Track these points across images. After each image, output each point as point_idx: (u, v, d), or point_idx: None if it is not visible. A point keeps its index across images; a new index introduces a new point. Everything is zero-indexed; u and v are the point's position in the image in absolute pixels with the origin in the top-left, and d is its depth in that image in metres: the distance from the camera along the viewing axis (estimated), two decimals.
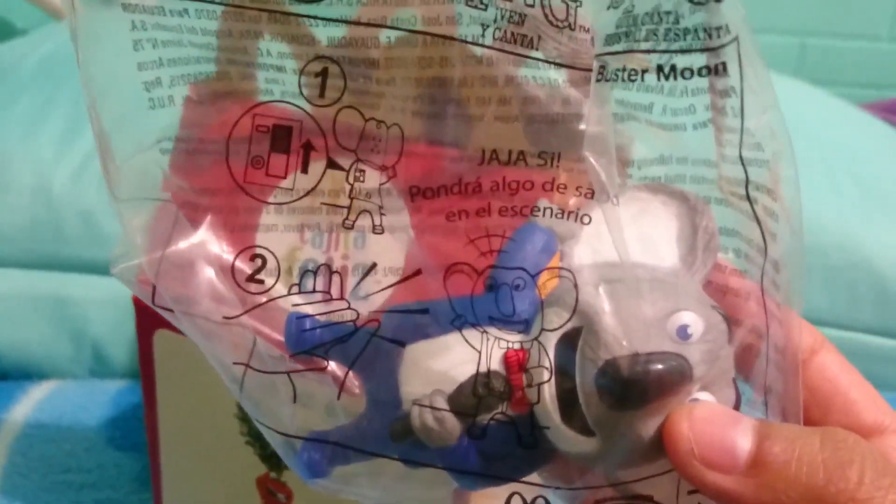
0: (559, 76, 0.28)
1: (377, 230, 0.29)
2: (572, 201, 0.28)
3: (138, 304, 0.42)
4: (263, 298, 0.29)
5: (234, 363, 0.29)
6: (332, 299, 0.30)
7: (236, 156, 0.29)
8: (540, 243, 0.28)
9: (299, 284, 0.30)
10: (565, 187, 0.28)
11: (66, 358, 0.65)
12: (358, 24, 0.28)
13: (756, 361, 0.28)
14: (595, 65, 0.27)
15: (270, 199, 0.30)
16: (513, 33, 0.27)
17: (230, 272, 0.29)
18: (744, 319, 0.28)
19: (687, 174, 0.29)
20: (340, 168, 0.29)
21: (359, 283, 0.30)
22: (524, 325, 0.28)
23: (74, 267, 0.64)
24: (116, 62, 0.28)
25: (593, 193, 0.28)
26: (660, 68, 0.27)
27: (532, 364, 0.27)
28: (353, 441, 0.29)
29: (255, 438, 0.44)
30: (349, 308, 0.29)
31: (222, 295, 0.29)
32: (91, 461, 0.56)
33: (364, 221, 0.29)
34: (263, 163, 0.29)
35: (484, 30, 0.27)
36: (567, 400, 0.27)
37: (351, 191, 0.29)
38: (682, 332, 0.26)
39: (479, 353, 0.28)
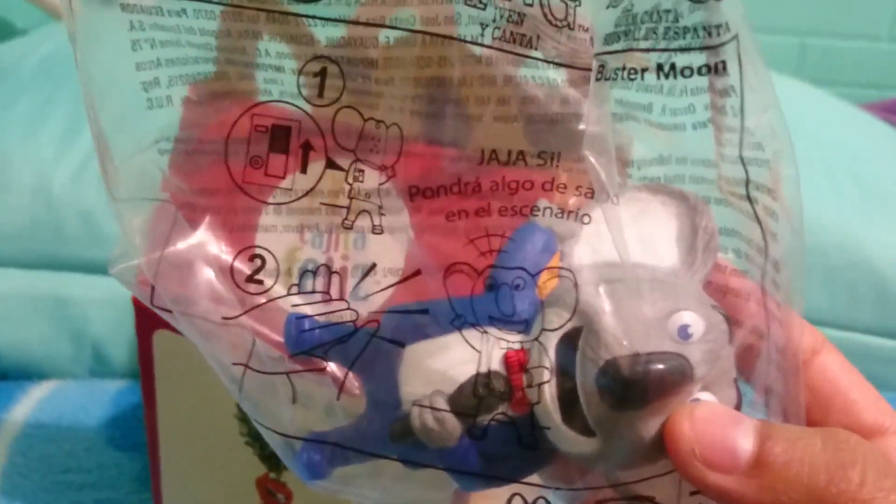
0: (558, 76, 0.28)
1: (376, 230, 0.29)
2: (572, 201, 0.28)
3: (138, 305, 0.42)
4: (262, 299, 0.29)
5: (234, 364, 0.29)
6: (331, 300, 0.30)
7: (235, 156, 0.29)
8: (540, 243, 0.28)
9: (299, 285, 0.30)
10: (565, 187, 0.28)
11: (65, 358, 0.65)
12: (357, 23, 0.28)
13: (757, 362, 0.28)
14: (594, 64, 0.27)
15: (270, 200, 0.30)
16: (512, 33, 0.27)
17: (229, 273, 0.29)
18: (744, 320, 0.28)
19: (686, 174, 0.29)
20: (339, 168, 0.29)
21: (358, 284, 0.30)
22: (524, 326, 0.28)
23: (74, 267, 0.64)
24: (115, 62, 0.28)
25: (593, 193, 0.28)
26: (659, 67, 0.27)
27: (532, 364, 0.27)
28: (353, 442, 0.29)
29: (255, 439, 0.44)
30: (349, 308, 0.29)
31: (221, 295, 0.29)
32: (91, 461, 0.56)
33: (363, 222, 0.29)
34: (262, 163, 0.29)
35: (483, 29, 0.27)
36: (568, 400, 0.27)
37: (350, 191, 0.29)
38: (683, 332, 0.26)
39: (480, 353, 0.28)
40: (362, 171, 0.29)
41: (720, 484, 0.25)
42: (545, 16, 0.27)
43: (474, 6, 0.27)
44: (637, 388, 0.26)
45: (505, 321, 0.28)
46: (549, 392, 0.27)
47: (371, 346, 0.29)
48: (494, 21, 0.27)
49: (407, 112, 0.28)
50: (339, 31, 0.28)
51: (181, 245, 0.29)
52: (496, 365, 0.28)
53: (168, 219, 0.29)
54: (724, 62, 0.26)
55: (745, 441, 0.25)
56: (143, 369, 0.44)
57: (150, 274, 0.29)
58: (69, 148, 0.65)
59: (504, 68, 0.28)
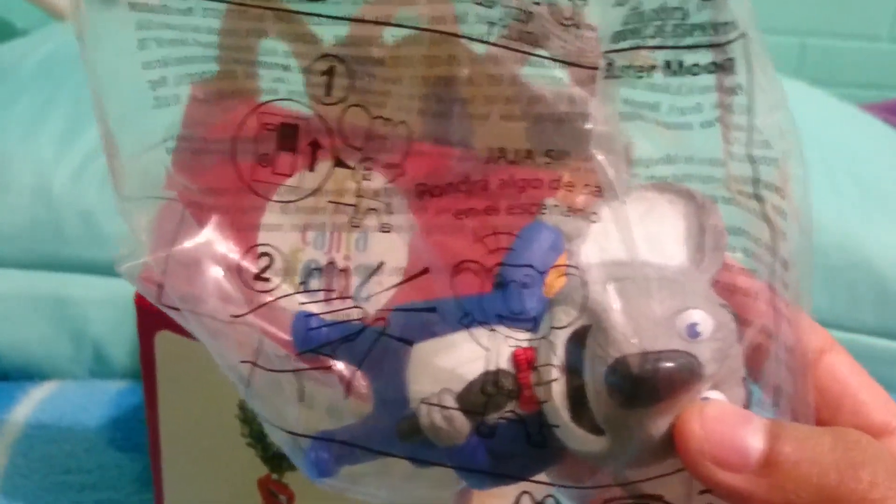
0: (564, 75, 0.28)
1: (384, 228, 0.29)
2: (580, 199, 0.28)
3: (140, 306, 0.42)
4: (270, 297, 0.29)
5: (242, 361, 0.29)
6: (339, 297, 0.30)
7: (243, 155, 0.29)
8: (547, 242, 0.28)
9: (306, 283, 0.30)
10: (573, 185, 0.28)
11: (66, 358, 0.64)
12: (364, 21, 0.28)
13: (766, 361, 0.28)
14: (602, 62, 0.27)
15: (275, 198, 0.30)
16: (519, 31, 0.27)
17: (237, 271, 0.29)
18: (753, 319, 0.28)
19: (694, 173, 0.29)
20: (347, 166, 0.29)
21: (365, 283, 0.30)
22: (532, 324, 0.28)
23: (74, 267, 0.64)
24: (122, 61, 0.28)
25: (601, 191, 0.28)
26: (668, 64, 0.27)
27: (541, 362, 0.27)
28: (361, 440, 0.29)
29: (257, 440, 0.44)
30: (356, 307, 0.29)
31: (229, 294, 0.29)
32: (92, 462, 0.56)
33: (371, 220, 0.29)
34: (271, 161, 0.29)
35: (490, 28, 0.27)
36: (576, 398, 0.27)
37: (358, 189, 0.29)
38: (692, 331, 0.26)
39: (488, 351, 0.28)
40: (370, 169, 0.29)
41: (730, 483, 0.25)
42: (552, 14, 0.27)
43: (481, 4, 0.27)
44: (646, 386, 0.25)
45: (513, 319, 0.28)
46: (558, 390, 0.27)
47: (379, 345, 0.29)
48: (501, 19, 0.27)
49: (415, 111, 0.28)
50: (346, 30, 0.28)
51: (189, 243, 0.29)
52: (504, 363, 0.28)
53: (175, 217, 0.29)
54: (732, 60, 0.26)
55: (755, 440, 0.25)
56: (145, 370, 0.44)
57: (158, 272, 0.29)
58: (69, 148, 0.65)
59: (511, 67, 0.28)
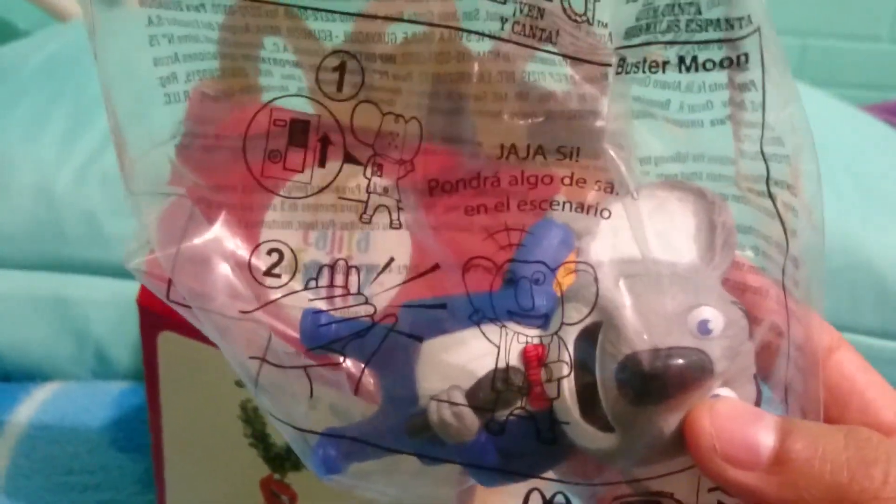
0: (576, 72, 0.28)
1: (394, 225, 0.29)
2: (590, 196, 0.28)
3: (143, 306, 0.42)
4: (280, 293, 0.29)
5: (251, 358, 0.29)
6: (348, 294, 0.30)
7: (253, 151, 0.29)
8: (557, 239, 0.28)
9: (312, 281, 0.30)
10: (584, 182, 0.28)
11: (68, 359, 0.64)
12: (375, 18, 0.28)
13: (776, 360, 0.28)
14: (614, 58, 0.27)
15: (282, 194, 0.30)
16: (531, 27, 0.27)
17: (246, 267, 0.29)
18: (763, 317, 0.28)
19: (704, 171, 0.29)
20: (358, 162, 0.29)
21: (374, 279, 0.30)
22: (543, 320, 0.28)
23: (76, 268, 0.64)
24: (132, 57, 0.28)
25: (612, 188, 0.28)
26: (681, 60, 0.27)
27: (551, 359, 0.27)
28: (369, 437, 0.29)
29: (259, 440, 0.44)
30: (366, 303, 0.29)
31: (238, 290, 0.29)
32: (94, 463, 0.56)
33: (380, 217, 0.29)
34: (281, 157, 0.29)
35: (503, 24, 0.27)
36: (586, 395, 0.27)
37: (368, 185, 0.29)
38: (703, 328, 0.26)
39: (498, 348, 0.27)
40: (381, 165, 0.29)
41: (741, 480, 0.25)
42: (564, 11, 0.27)
43: (494, 0, 0.27)
44: (657, 382, 0.26)
45: (523, 316, 0.28)
46: (568, 387, 0.27)
47: (388, 341, 0.28)
48: (514, 15, 0.27)
49: (424, 107, 0.28)
50: (356, 26, 0.28)
51: (198, 240, 0.29)
52: (515, 360, 0.27)
53: (183, 213, 0.29)
54: (746, 55, 0.26)
55: (766, 437, 0.25)
56: (148, 371, 0.44)
57: (167, 269, 0.29)
58: (71, 149, 0.65)
59: (522, 64, 0.28)
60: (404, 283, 0.30)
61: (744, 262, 0.29)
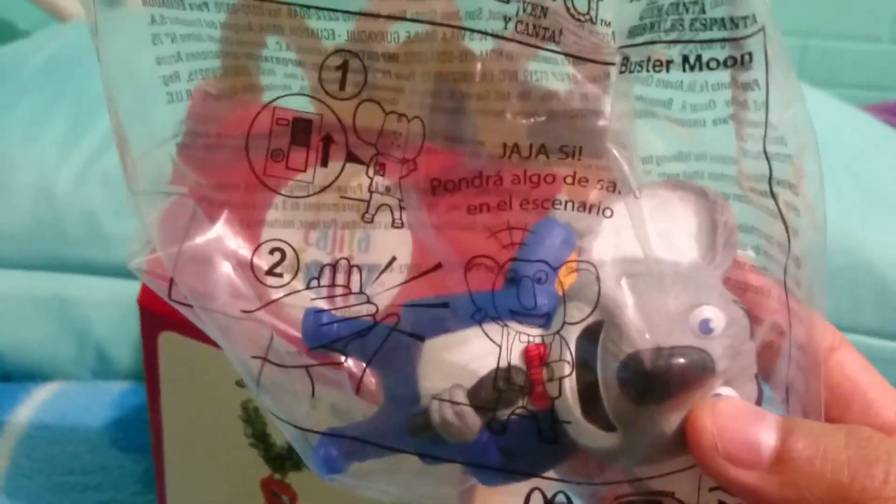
0: (578, 71, 0.28)
1: (396, 224, 0.29)
2: (593, 195, 0.28)
3: (144, 306, 0.42)
4: (282, 293, 0.29)
5: (252, 357, 0.29)
6: (350, 293, 0.30)
7: (255, 151, 0.29)
8: (559, 237, 0.28)
9: (318, 279, 0.30)
10: (587, 181, 0.28)
11: (68, 359, 0.64)
12: (377, 17, 0.28)
13: (777, 359, 0.28)
14: (618, 57, 0.27)
15: (284, 193, 0.30)
16: (534, 26, 0.27)
17: (248, 267, 0.29)
18: (764, 316, 0.28)
19: (705, 170, 0.29)
20: (360, 161, 0.29)
21: (375, 279, 0.30)
22: (545, 319, 0.28)
23: (77, 268, 0.64)
24: (135, 56, 0.28)
25: (614, 187, 0.28)
26: (685, 59, 0.27)
27: (553, 358, 0.27)
28: (371, 436, 0.29)
29: (260, 440, 0.44)
30: (368, 302, 0.29)
31: (239, 290, 0.29)
32: (95, 462, 0.56)
33: (383, 216, 0.29)
34: (283, 157, 0.29)
35: (506, 23, 0.27)
36: (588, 394, 0.27)
37: (371, 184, 0.29)
38: (705, 327, 0.26)
39: (500, 347, 0.28)
40: (383, 164, 0.29)
41: (742, 479, 0.25)
42: (568, 10, 0.27)
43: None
44: (659, 381, 0.26)
45: (525, 315, 0.28)
46: (570, 386, 0.27)
47: (390, 341, 0.28)
48: (517, 14, 0.27)
49: (427, 107, 0.28)
50: (359, 25, 0.28)
51: (199, 239, 0.29)
52: (516, 359, 0.28)
53: (185, 213, 0.29)
54: (750, 54, 0.26)
55: (767, 436, 0.25)
56: (148, 371, 0.44)
57: (168, 268, 0.29)
58: (72, 149, 0.65)
59: (525, 63, 0.28)
60: (406, 282, 0.30)
61: (745, 262, 0.29)
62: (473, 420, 0.27)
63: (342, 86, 0.28)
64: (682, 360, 0.26)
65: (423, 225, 0.29)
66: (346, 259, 0.30)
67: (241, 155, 0.29)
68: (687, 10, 0.26)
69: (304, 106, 0.29)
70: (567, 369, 0.27)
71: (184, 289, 0.29)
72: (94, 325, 0.64)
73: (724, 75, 0.27)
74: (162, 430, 0.46)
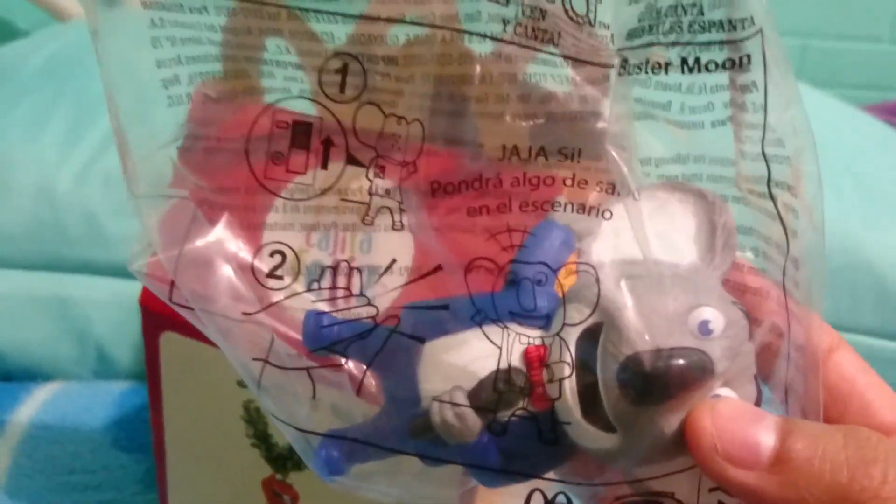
0: (577, 73, 0.28)
1: (396, 227, 0.29)
2: (592, 197, 0.28)
3: (145, 307, 0.42)
4: (282, 295, 0.29)
5: (253, 359, 0.29)
6: (350, 295, 0.30)
7: (255, 153, 0.29)
8: (558, 240, 0.28)
9: (315, 282, 0.30)
10: (586, 183, 0.28)
11: (69, 359, 0.64)
12: (377, 20, 0.28)
13: (776, 361, 0.28)
14: (616, 60, 0.27)
15: (285, 196, 0.30)
16: (533, 29, 0.27)
17: (249, 269, 0.29)
18: (763, 318, 0.28)
19: (704, 172, 0.29)
20: (360, 164, 0.29)
21: (376, 281, 0.30)
22: (545, 321, 0.28)
23: (77, 268, 0.64)
24: (135, 59, 0.28)
25: (613, 189, 0.28)
26: (683, 61, 0.27)
27: (553, 360, 0.27)
28: (372, 438, 0.29)
29: (261, 440, 0.44)
30: (368, 305, 0.29)
31: (240, 292, 0.29)
32: (96, 462, 0.56)
33: (383, 219, 0.29)
34: (283, 159, 0.29)
35: (505, 26, 0.27)
36: (588, 395, 0.27)
37: (371, 187, 0.29)
38: (704, 328, 0.26)
39: (500, 349, 0.28)
40: (383, 167, 0.29)
41: (741, 480, 0.25)
42: (566, 12, 0.27)
43: (496, 2, 0.27)
44: (658, 382, 0.26)
45: (525, 316, 0.28)
46: (570, 387, 0.27)
47: (390, 343, 0.29)
48: (516, 17, 0.27)
49: (427, 109, 0.28)
50: (359, 28, 0.28)
51: (200, 242, 0.29)
52: (516, 360, 0.28)
53: (186, 215, 0.29)
54: (748, 56, 0.26)
55: (766, 437, 0.25)
56: (150, 371, 0.44)
57: (169, 270, 0.29)
58: (72, 149, 0.65)
59: (524, 66, 0.28)
60: (406, 284, 0.30)
61: (744, 264, 0.29)
62: (474, 421, 0.27)
63: (342, 88, 0.29)
64: (681, 362, 0.26)
65: (423, 227, 0.29)
66: (347, 261, 0.30)
67: (241, 158, 0.29)
68: (685, 13, 0.26)
69: (304, 109, 0.29)
70: (567, 371, 0.27)
71: (184, 291, 0.29)
72: (95, 325, 0.64)
73: (722, 77, 0.27)
74: (163, 430, 0.46)
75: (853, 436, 0.25)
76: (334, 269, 0.30)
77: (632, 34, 0.27)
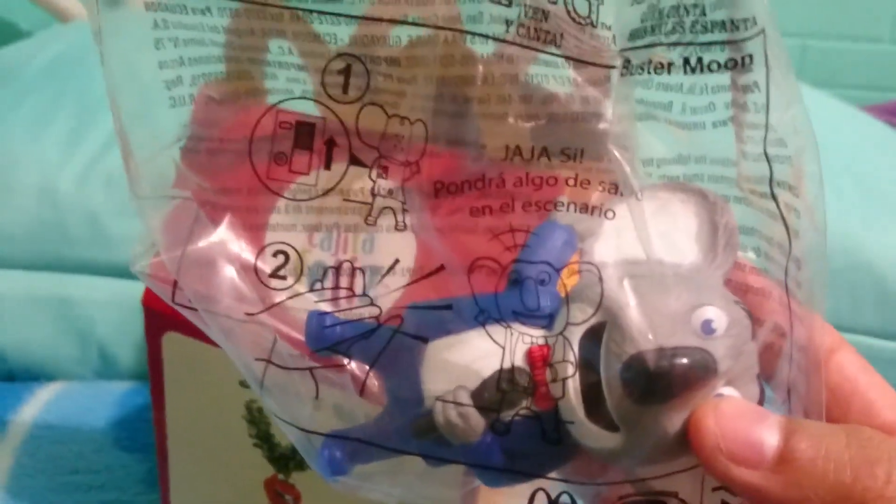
0: (579, 74, 0.28)
1: (399, 227, 0.29)
2: (595, 197, 0.28)
3: (147, 307, 0.42)
4: (285, 295, 0.29)
5: (256, 360, 0.29)
6: (353, 295, 0.30)
7: (258, 154, 0.29)
8: (561, 240, 0.29)
9: (318, 283, 0.30)
10: (588, 183, 0.28)
11: (71, 359, 0.64)
12: (379, 21, 0.28)
13: (778, 361, 0.28)
14: (619, 60, 0.27)
15: (287, 196, 0.30)
16: (535, 30, 0.27)
17: (252, 270, 0.29)
18: (765, 318, 0.28)
19: (705, 173, 0.29)
20: (363, 165, 0.29)
21: (379, 281, 0.30)
22: (548, 321, 0.28)
23: (79, 268, 0.64)
24: (138, 61, 0.28)
25: (616, 189, 0.28)
26: (686, 61, 0.27)
27: (556, 359, 0.27)
28: (375, 438, 0.29)
29: (264, 440, 0.44)
30: (371, 305, 0.29)
31: (243, 293, 0.29)
32: (98, 462, 0.56)
33: (386, 219, 0.29)
34: (286, 160, 0.29)
35: (507, 27, 0.27)
36: (591, 395, 0.27)
37: (374, 187, 0.29)
38: (707, 327, 0.26)
39: (503, 348, 0.28)
40: (386, 167, 0.29)
41: (745, 479, 0.25)
42: (569, 13, 0.27)
43: (499, 3, 0.27)
44: (661, 381, 0.26)
45: (528, 316, 0.28)
46: (573, 387, 0.27)
47: (393, 343, 0.29)
48: (518, 18, 0.27)
49: (430, 110, 0.29)
50: (361, 29, 0.28)
51: (203, 243, 0.29)
52: (520, 360, 0.28)
53: (189, 216, 0.29)
54: (750, 56, 0.26)
55: (770, 436, 0.25)
56: (152, 372, 0.44)
57: (172, 271, 0.29)
58: (75, 149, 0.65)
59: (526, 67, 0.28)
60: (409, 284, 0.30)
61: (746, 264, 0.29)
62: (477, 421, 0.27)
63: (345, 89, 0.29)
64: (684, 361, 0.26)
65: (425, 227, 0.29)
66: (350, 261, 0.30)
67: (244, 158, 0.29)
68: (687, 13, 0.26)
69: (307, 109, 0.29)
70: (570, 370, 0.27)
71: (187, 292, 0.29)
72: (97, 325, 0.64)
73: (724, 78, 0.27)
74: (165, 430, 0.46)
75: (856, 435, 0.25)
76: (337, 269, 0.30)
77: (634, 35, 0.27)
